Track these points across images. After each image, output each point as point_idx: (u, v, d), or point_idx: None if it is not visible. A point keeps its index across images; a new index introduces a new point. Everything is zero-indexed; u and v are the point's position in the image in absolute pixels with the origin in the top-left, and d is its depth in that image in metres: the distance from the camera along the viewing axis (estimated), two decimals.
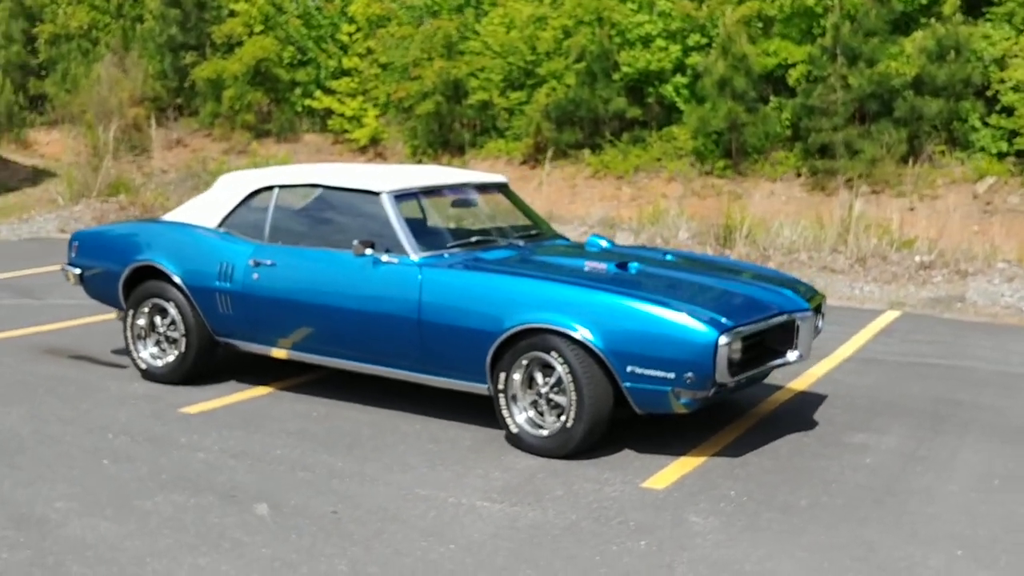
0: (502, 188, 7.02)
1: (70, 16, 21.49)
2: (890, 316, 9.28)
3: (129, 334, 6.85)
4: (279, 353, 6.47)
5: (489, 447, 5.63)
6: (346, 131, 18.42)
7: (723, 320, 5.24)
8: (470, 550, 4.34)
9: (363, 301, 5.98)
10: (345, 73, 18.74)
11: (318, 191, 6.49)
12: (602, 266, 5.89)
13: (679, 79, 16.41)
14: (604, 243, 6.66)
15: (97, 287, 7.16)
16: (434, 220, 6.44)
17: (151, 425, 5.94)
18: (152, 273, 6.75)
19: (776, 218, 13.01)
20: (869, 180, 14.23)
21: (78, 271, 7.22)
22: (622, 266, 5.90)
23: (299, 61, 19.23)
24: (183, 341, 6.65)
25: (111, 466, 5.29)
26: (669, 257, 6.44)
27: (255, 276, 6.34)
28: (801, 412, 6.37)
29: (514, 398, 5.58)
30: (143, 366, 6.81)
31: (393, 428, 5.96)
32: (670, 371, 5.20)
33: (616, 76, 16.44)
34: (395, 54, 18.17)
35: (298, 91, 19.10)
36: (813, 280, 10.49)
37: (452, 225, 6.59)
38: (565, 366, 5.35)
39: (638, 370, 5.25)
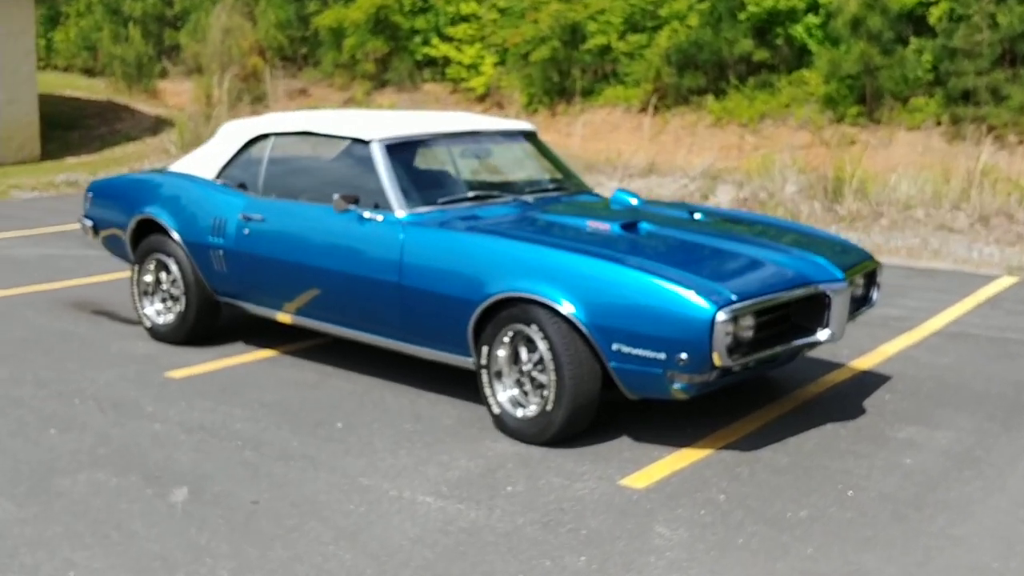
0: (529, 136, 6.31)
1: None
2: (1004, 283, 8.14)
3: (135, 290, 6.51)
4: (283, 317, 5.97)
5: (469, 429, 5.00)
6: (463, 80, 17.87)
7: (726, 292, 4.44)
8: (378, 558, 3.73)
9: (345, 261, 5.41)
10: (464, 19, 18.15)
11: (312, 140, 5.95)
12: (605, 226, 5.14)
13: (811, 19, 15.14)
14: (634, 200, 5.89)
15: (108, 240, 6.84)
16: (435, 173, 5.80)
17: (126, 390, 5.55)
18: (155, 227, 6.37)
19: (912, 170, 11.80)
20: (1016, 129, 12.77)
21: (91, 223, 6.92)
22: (629, 227, 5.14)
23: (419, 8, 18.72)
24: (183, 299, 6.25)
25: (56, 436, 4.90)
26: (699, 216, 5.62)
27: (246, 232, 5.86)
28: (851, 397, 5.49)
29: (498, 375, 4.92)
30: (148, 324, 6.46)
31: (379, 401, 5.40)
32: (660, 351, 4.44)
33: (742, 16, 15.29)
34: None
35: (417, 39, 18.61)
36: (927, 240, 9.42)
37: (457, 178, 5.93)
38: (546, 341, 4.66)
39: (625, 348, 4.52)
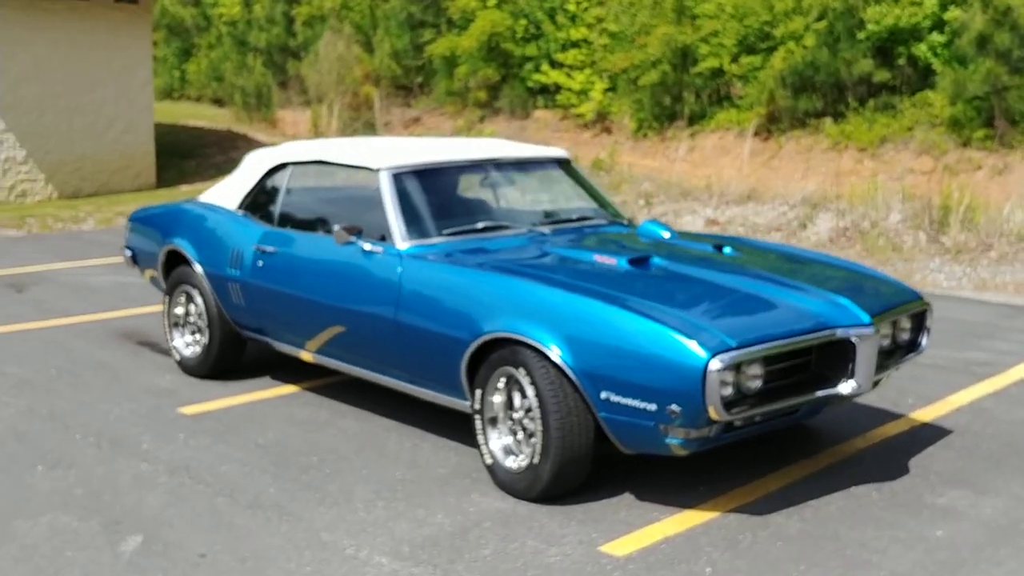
0: (563, 164, 5.94)
1: None
2: None
3: (166, 322, 6.39)
4: (305, 356, 5.71)
5: (462, 481, 4.64)
6: (573, 106, 17.55)
7: (724, 337, 3.97)
8: None
9: (348, 296, 5.14)
10: (575, 45, 17.84)
11: (325, 169, 5.72)
12: (611, 261, 4.72)
13: (935, 37, 14.28)
14: (666, 233, 5.45)
15: (147, 271, 6.76)
16: (448, 203, 5.46)
17: (132, 426, 5.39)
18: (182, 258, 6.25)
19: None
20: None
21: (129, 253, 6.87)
22: (637, 262, 4.71)
23: (531, 35, 18.49)
24: (207, 332, 6.09)
25: (40, 474, 4.75)
26: (728, 251, 5.13)
27: (260, 264, 5.66)
28: (898, 454, 4.91)
29: (492, 421, 4.56)
30: (177, 356, 6.33)
31: (380, 445, 5.10)
32: (651, 401, 4.00)
33: (861, 35, 14.55)
34: (624, 21, 17.08)
35: (529, 66, 18.38)
36: None
37: (471, 208, 5.59)
38: (533, 387, 4.28)
39: (614, 398, 4.09)
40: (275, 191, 5.86)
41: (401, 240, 5.01)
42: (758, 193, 11.97)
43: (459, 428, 5.12)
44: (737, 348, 3.95)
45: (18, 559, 3.92)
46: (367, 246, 5.05)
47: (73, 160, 15.13)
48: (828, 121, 14.96)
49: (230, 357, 6.15)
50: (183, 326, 6.33)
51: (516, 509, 4.32)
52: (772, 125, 15.41)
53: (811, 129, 15.16)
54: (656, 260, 4.75)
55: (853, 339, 4.24)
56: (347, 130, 17.77)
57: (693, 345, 3.91)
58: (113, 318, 7.79)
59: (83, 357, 6.70)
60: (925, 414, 5.47)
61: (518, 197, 5.78)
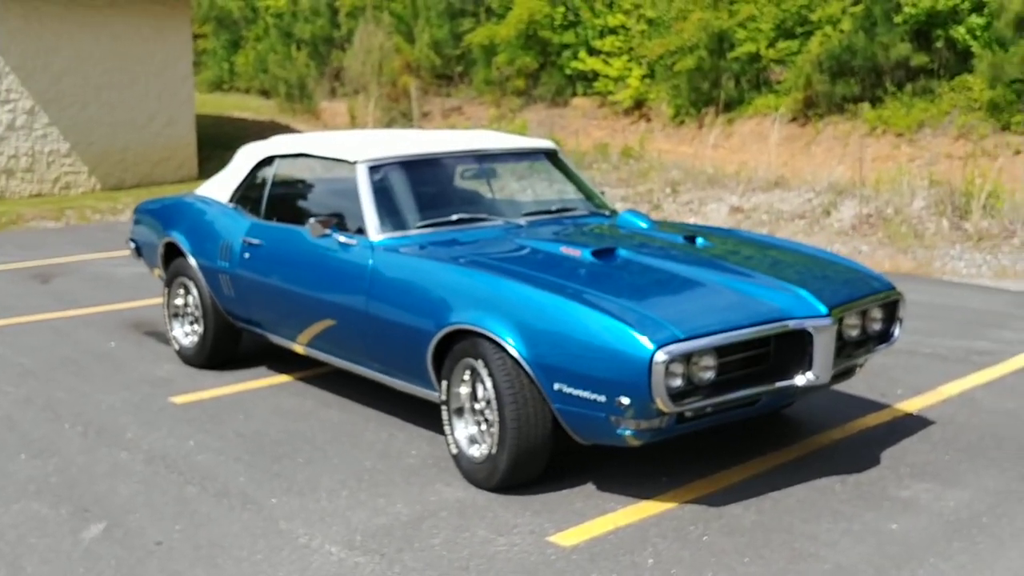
0: (550, 155, 5.94)
1: None
2: None
3: (166, 312, 6.51)
4: (297, 348, 5.77)
5: (429, 470, 4.67)
6: (611, 93, 17.47)
7: (672, 329, 3.95)
8: None
9: (325, 287, 5.21)
10: (612, 32, 17.75)
11: (309, 162, 5.78)
12: (576, 252, 4.71)
13: (974, 19, 13.97)
14: (643, 223, 5.43)
15: (150, 263, 6.89)
16: (426, 195, 5.46)
17: (122, 415, 5.51)
18: (178, 250, 6.36)
19: None
20: None
21: (133, 245, 7.00)
22: (602, 253, 4.69)
23: (568, 23, 18.43)
24: (202, 323, 6.20)
25: (23, 462, 4.88)
26: (700, 242, 5.07)
27: (246, 256, 5.75)
28: (873, 445, 4.84)
29: (459, 412, 4.59)
30: (176, 346, 6.45)
31: (357, 435, 5.15)
32: (600, 393, 4.00)
33: (898, 18, 14.29)
34: (661, 7, 16.95)
35: (567, 54, 18.32)
36: None
37: (448, 201, 5.58)
38: (491, 378, 4.30)
39: (566, 389, 4.10)
40: (263, 184, 5.94)
41: (375, 232, 5.05)
42: (786, 180, 11.83)
43: (437, 418, 5.15)
44: (685, 340, 3.93)
45: None
46: (342, 238, 5.10)
47: (116, 152, 15.40)
48: (866, 106, 14.73)
49: (225, 347, 6.25)
50: (182, 316, 6.45)
51: (475, 499, 4.35)
52: (809, 110, 15.21)
53: (849, 114, 14.94)
54: (621, 251, 4.73)
55: (809, 330, 4.19)
56: (384, 120, 17.89)
57: (639, 337, 3.90)
58: (126, 308, 7.95)
59: (89, 347, 6.85)
60: (911, 404, 5.39)
61: (501, 189, 5.79)
